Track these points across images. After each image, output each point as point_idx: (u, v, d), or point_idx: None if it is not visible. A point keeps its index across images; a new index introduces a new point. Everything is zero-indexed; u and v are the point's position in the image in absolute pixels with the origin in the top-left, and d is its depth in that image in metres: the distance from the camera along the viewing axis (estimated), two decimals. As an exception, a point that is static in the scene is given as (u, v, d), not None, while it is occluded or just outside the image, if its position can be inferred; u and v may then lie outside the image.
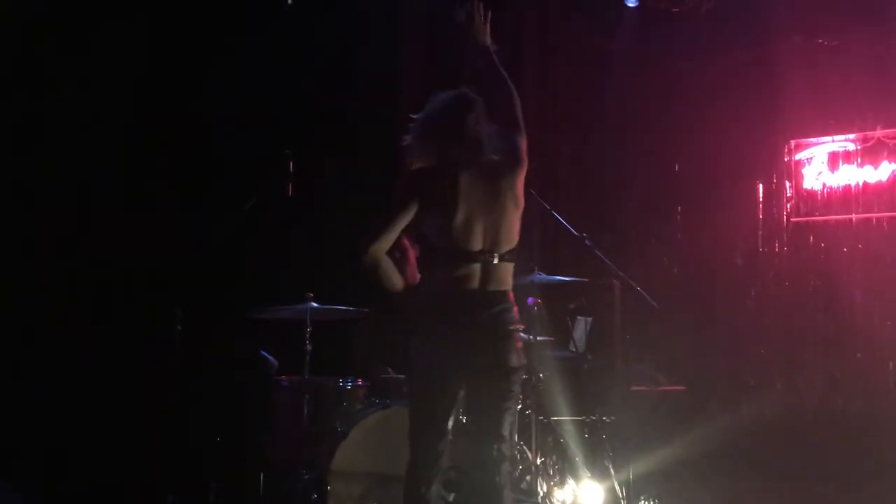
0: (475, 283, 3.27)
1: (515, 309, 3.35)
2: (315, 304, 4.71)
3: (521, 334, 3.40)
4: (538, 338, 4.82)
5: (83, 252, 5.25)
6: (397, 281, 3.32)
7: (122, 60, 5.38)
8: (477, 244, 3.28)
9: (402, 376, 4.81)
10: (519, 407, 4.76)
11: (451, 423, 3.34)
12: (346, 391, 4.77)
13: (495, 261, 3.28)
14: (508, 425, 3.31)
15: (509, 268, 3.34)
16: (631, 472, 4.85)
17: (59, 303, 5.21)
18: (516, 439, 4.70)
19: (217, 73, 5.68)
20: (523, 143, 3.43)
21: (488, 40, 3.49)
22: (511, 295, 3.35)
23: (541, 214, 4.96)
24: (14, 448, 4.90)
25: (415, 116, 3.42)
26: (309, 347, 4.67)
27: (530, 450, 4.68)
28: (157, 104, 5.50)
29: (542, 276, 4.82)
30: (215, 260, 4.89)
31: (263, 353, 5.00)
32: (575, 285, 5.20)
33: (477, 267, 3.27)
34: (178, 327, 4.72)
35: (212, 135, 5.69)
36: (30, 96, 5.21)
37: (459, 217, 3.26)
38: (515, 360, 3.29)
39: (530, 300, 4.80)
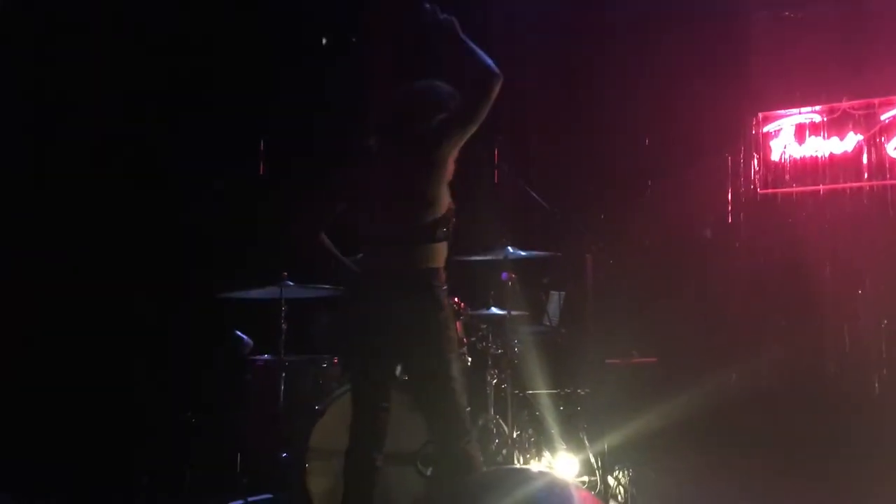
0: (391, 266, 3.30)
1: (441, 287, 3.33)
2: (290, 283, 4.70)
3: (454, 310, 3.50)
4: (512, 312, 4.85)
5: (54, 234, 5.20)
6: (339, 259, 3.44)
7: (90, 48, 5.32)
8: (383, 230, 3.32)
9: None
10: (495, 381, 4.81)
11: (387, 400, 3.42)
12: (322, 370, 4.78)
13: (401, 244, 3.29)
14: (461, 397, 3.31)
15: (426, 248, 3.30)
16: (605, 444, 4.90)
17: (30, 287, 5.16)
18: (492, 413, 4.74)
19: (188, 55, 5.63)
20: (464, 117, 3.27)
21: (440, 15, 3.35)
22: (436, 273, 3.33)
23: (513, 190, 4.97)
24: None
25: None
26: (284, 327, 4.66)
27: (506, 423, 4.71)
28: (127, 88, 5.45)
29: (514, 252, 4.84)
30: (189, 239, 4.87)
31: (238, 332, 4.98)
32: (548, 260, 5.22)
33: (390, 250, 3.30)
34: (153, 307, 4.70)
35: (183, 116, 5.64)
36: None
37: (365, 204, 3.35)
38: (441, 337, 3.28)
39: (504, 275, 4.83)
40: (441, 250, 3.36)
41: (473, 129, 3.30)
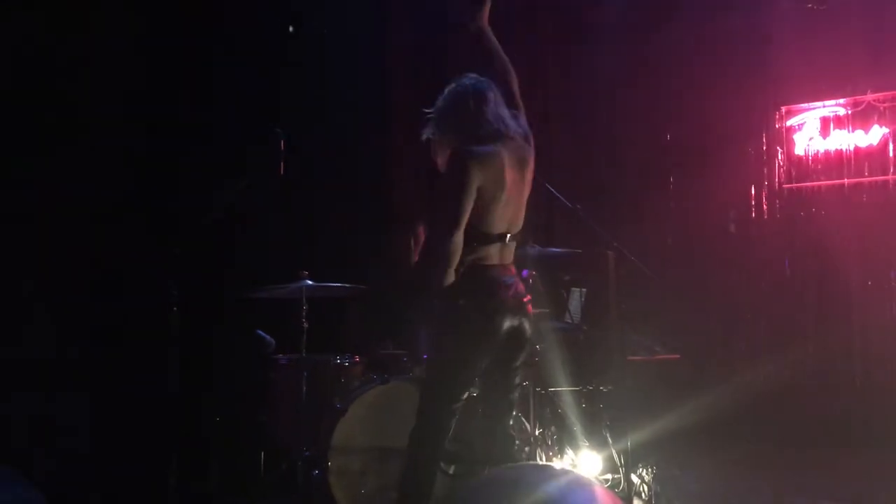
0: (495, 261, 3.39)
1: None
2: (310, 282, 4.71)
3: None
4: (533, 310, 4.82)
5: (76, 231, 5.23)
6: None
7: (111, 39, 5.33)
8: (502, 226, 3.38)
9: (401, 351, 4.84)
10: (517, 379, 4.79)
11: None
12: (344, 368, 4.80)
13: (507, 241, 3.41)
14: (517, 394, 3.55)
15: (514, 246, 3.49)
16: (629, 441, 4.87)
17: (52, 285, 5.19)
18: (514, 411, 4.73)
19: (207, 53, 5.64)
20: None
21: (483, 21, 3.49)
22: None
23: (534, 186, 4.94)
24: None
25: (430, 110, 3.44)
26: (305, 325, 4.68)
27: (528, 421, 4.70)
28: (146, 84, 5.47)
29: (536, 248, 4.82)
30: (210, 240, 4.87)
31: (260, 332, 5.00)
32: (569, 256, 5.20)
33: (497, 247, 3.39)
34: (175, 308, 4.71)
35: (203, 113, 5.66)
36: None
37: (501, 200, 3.32)
38: (530, 328, 3.50)
39: (525, 272, 4.80)
40: None
41: None
